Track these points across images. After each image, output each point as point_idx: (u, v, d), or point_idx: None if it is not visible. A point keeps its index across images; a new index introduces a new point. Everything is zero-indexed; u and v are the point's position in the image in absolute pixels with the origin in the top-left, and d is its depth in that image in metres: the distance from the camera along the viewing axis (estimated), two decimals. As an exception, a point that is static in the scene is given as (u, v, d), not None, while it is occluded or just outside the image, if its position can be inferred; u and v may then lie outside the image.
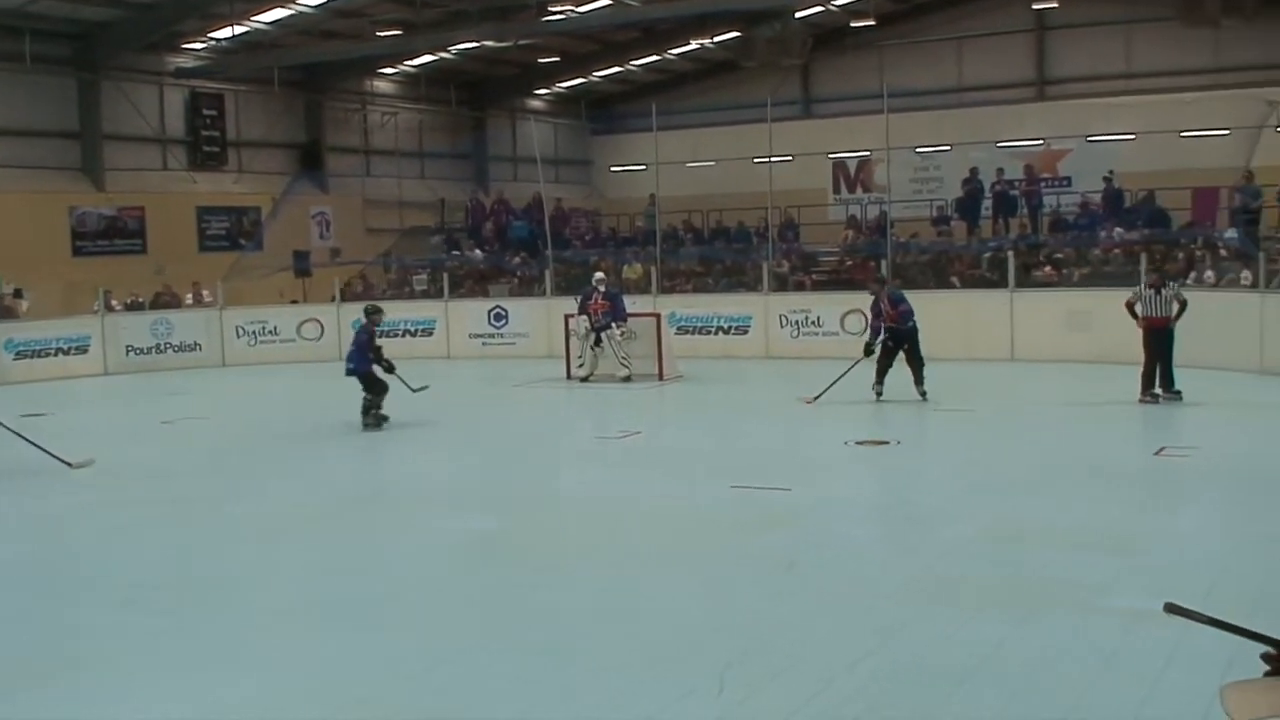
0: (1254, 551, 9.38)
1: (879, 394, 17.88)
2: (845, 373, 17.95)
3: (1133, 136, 30.67)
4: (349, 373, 17.10)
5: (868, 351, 18.19)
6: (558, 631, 8.04)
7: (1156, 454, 13.76)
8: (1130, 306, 17.70)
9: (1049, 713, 6.43)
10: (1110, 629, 7.65)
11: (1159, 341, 17.32)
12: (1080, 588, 8.62)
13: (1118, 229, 27.13)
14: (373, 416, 16.94)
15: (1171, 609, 3.45)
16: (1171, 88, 31.91)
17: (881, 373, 18.02)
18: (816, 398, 17.84)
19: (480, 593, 9.26)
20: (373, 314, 17.70)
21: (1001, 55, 35.27)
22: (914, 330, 18.00)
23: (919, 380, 17.90)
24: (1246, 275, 22.33)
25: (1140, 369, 17.39)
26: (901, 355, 17.98)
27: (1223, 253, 24.73)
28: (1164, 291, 17.58)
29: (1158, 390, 17.24)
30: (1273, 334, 19.95)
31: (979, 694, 6.72)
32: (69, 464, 14.27)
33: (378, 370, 17.01)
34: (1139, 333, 17.44)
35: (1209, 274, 23.61)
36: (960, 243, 29.66)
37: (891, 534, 10.53)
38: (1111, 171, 29.21)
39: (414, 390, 17.15)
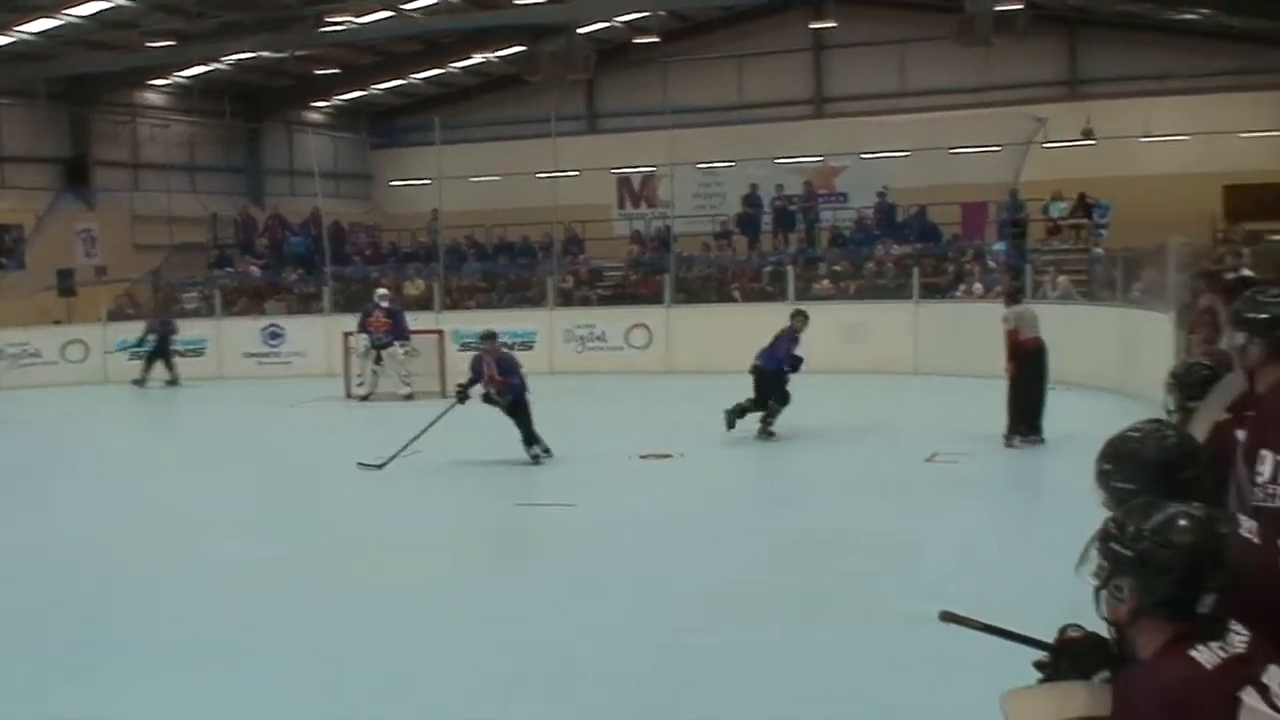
0: (1026, 555, 9.60)
1: None
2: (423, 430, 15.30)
3: (906, 154, 31.41)
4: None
5: (461, 398, 15.48)
6: (335, 655, 7.77)
7: (928, 460, 14.02)
8: None
9: (828, 718, 6.44)
10: (890, 633, 7.72)
11: None
12: (861, 593, 8.74)
13: (892, 243, 27.81)
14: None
15: (947, 617, 3.42)
16: (944, 105, 32.72)
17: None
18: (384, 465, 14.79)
19: (253, 621, 8.80)
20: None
21: (781, 73, 35.77)
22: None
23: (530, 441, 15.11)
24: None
25: None
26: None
27: (991, 265, 25.50)
28: None
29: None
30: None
31: (756, 700, 6.74)
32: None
33: None
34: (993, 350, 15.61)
35: (978, 286, 24.34)
36: (741, 257, 30.05)
37: (678, 547, 10.49)
38: (885, 188, 29.95)
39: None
